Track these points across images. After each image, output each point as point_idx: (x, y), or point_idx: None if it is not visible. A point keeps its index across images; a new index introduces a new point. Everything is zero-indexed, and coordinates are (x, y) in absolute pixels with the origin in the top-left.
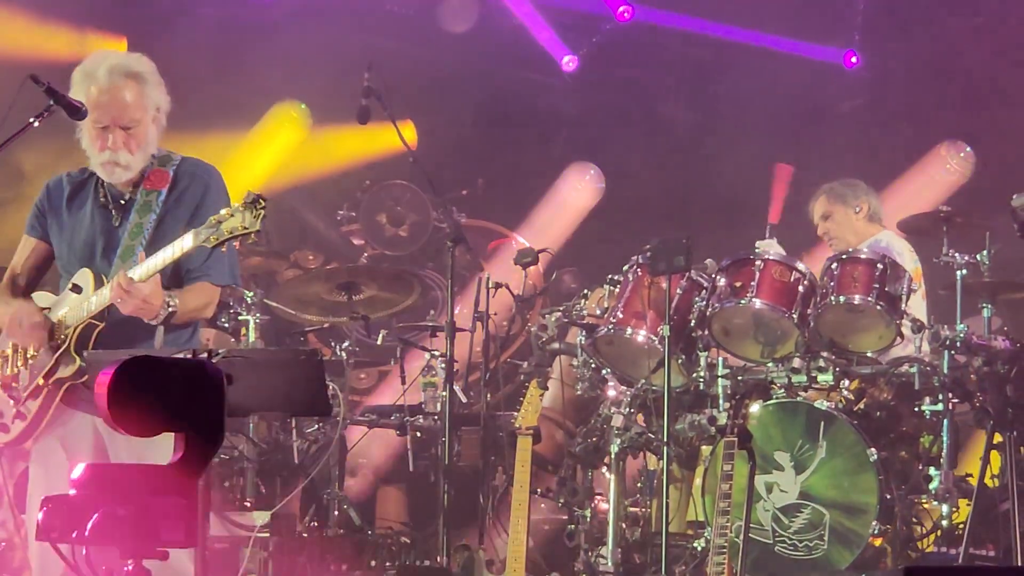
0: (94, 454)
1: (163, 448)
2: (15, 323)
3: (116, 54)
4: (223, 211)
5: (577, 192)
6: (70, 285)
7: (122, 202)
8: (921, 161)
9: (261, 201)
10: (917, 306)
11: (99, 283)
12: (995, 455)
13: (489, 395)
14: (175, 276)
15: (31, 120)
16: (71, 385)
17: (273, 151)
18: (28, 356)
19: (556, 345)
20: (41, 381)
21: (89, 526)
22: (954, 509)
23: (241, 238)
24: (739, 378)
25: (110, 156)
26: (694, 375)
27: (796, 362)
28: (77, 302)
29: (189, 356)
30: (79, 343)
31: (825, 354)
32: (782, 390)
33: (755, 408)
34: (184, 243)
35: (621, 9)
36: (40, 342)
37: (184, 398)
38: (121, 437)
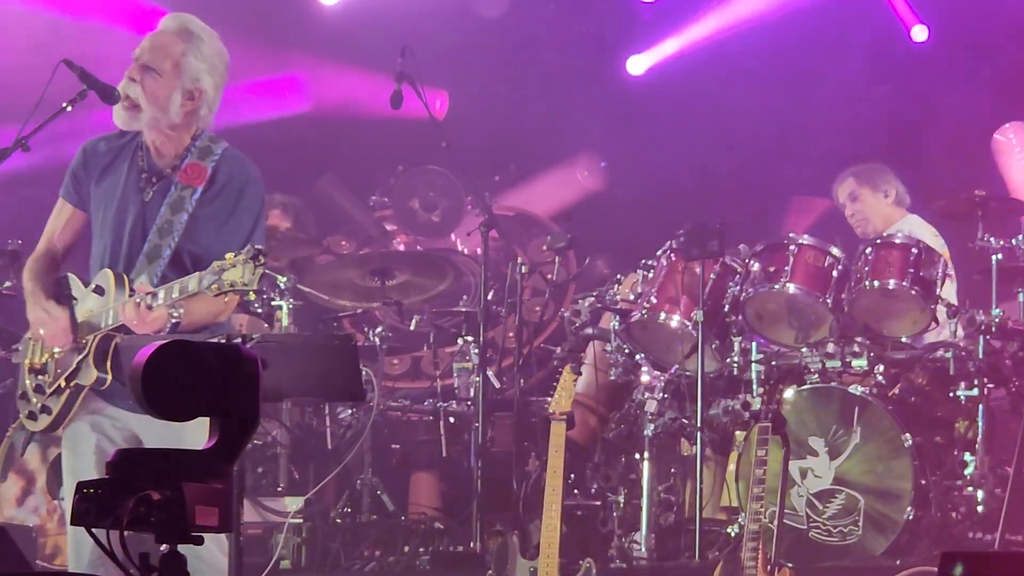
0: (125, 440)
1: (196, 435)
2: (41, 327)
3: (189, 16)
4: (228, 256)
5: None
6: (93, 285)
7: (156, 180)
8: None
9: (262, 257)
10: (947, 291)
11: (119, 285)
12: None
13: (522, 380)
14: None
15: (64, 105)
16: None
17: None
18: (55, 352)
19: (589, 330)
20: (63, 383)
21: (124, 511)
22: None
23: (239, 293)
24: (773, 363)
25: (123, 86)
26: (728, 360)
27: (830, 347)
28: (99, 304)
29: (223, 341)
30: (98, 353)
31: (859, 339)
32: (816, 375)
33: (789, 393)
34: (188, 285)
35: None
36: (64, 345)
37: (219, 382)
38: (154, 423)
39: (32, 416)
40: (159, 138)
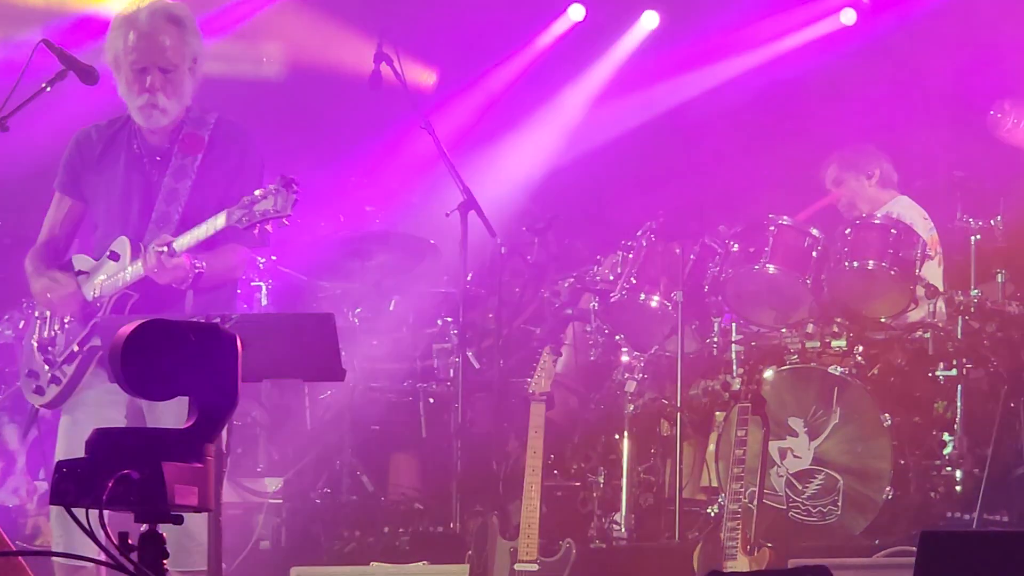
0: (130, 418)
1: None
2: (48, 292)
3: (163, 1)
4: (256, 192)
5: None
6: (108, 252)
7: (157, 158)
8: None
9: (294, 185)
10: (933, 273)
11: (135, 251)
12: None
13: (502, 361)
14: (207, 239)
15: (44, 85)
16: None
17: None
18: (65, 320)
19: (569, 311)
20: (76, 348)
21: (103, 490)
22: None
23: (273, 220)
24: (752, 344)
25: (148, 99)
26: (707, 341)
27: (810, 328)
28: (114, 270)
29: (201, 320)
30: (115, 312)
31: (839, 320)
32: (796, 356)
33: (769, 374)
34: (217, 222)
35: None
36: (73, 312)
37: (197, 361)
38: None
39: (39, 391)
40: (164, 119)
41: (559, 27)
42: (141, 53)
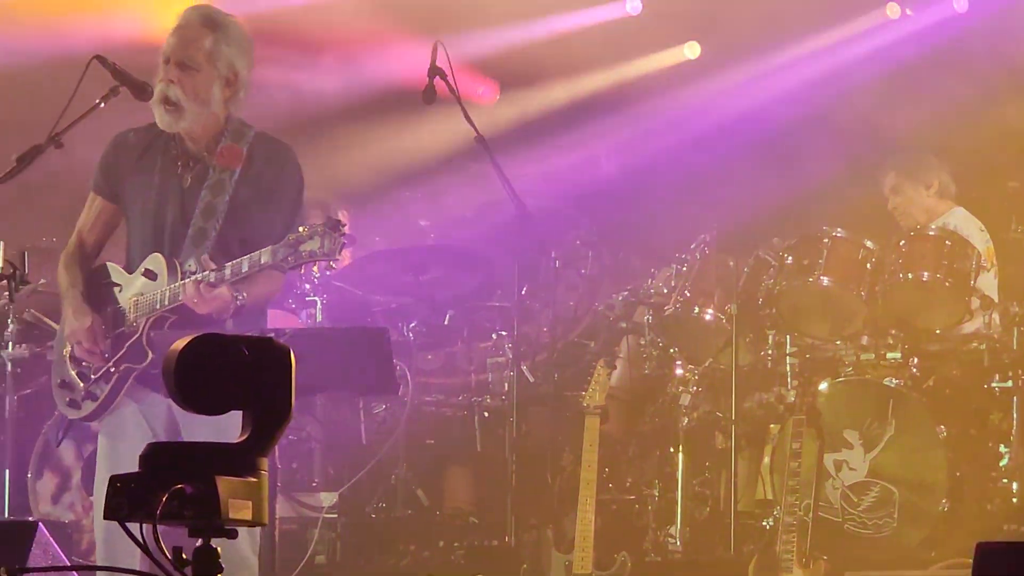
0: (167, 432)
1: (238, 429)
2: (75, 337)
3: (209, 6)
4: (302, 229)
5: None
6: (142, 269)
7: (194, 165)
8: None
9: (341, 227)
10: (988, 285)
11: (171, 269)
12: None
13: (556, 375)
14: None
15: (97, 101)
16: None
17: None
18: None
19: (623, 324)
20: (112, 368)
21: (157, 505)
22: None
23: (320, 262)
24: (807, 356)
25: (161, 89)
26: (762, 353)
27: (864, 340)
28: (150, 288)
29: (256, 334)
30: (151, 333)
31: (894, 331)
32: (850, 368)
33: (823, 386)
34: (261, 259)
35: None
36: (89, 348)
37: (251, 376)
38: (197, 418)
39: (74, 404)
40: (195, 127)
41: (615, 32)
42: (169, 45)
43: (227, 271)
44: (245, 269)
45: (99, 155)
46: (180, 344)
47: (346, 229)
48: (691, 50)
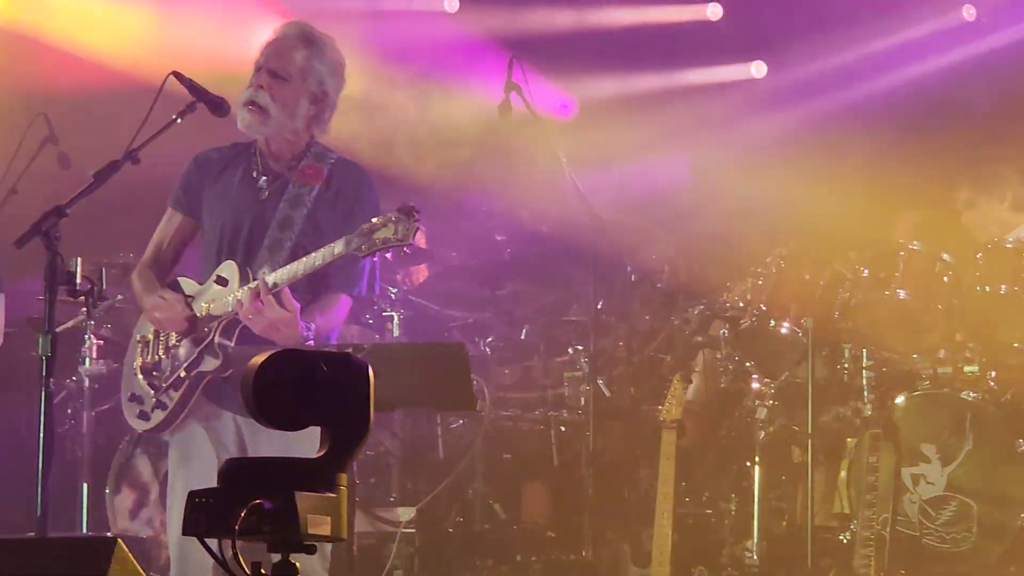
0: (236, 449)
1: (306, 445)
2: (156, 311)
3: (306, 23)
4: (375, 219)
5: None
6: (214, 276)
7: (274, 181)
8: None
9: (415, 212)
10: None
11: (244, 276)
12: None
13: (633, 389)
14: (311, 284)
15: (174, 117)
16: (213, 380)
17: None
18: (170, 344)
19: (699, 338)
20: (183, 373)
21: (236, 521)
22: None
23: (393, 248)
24: (883, 369)
25: (249, 95)
26: (838, 367)
27: (941, 353)
28: (222, 295)
29: (334, 350)
30: (223, 338)
31: (971, 344)
32: (927, 381)
33: (900, 400)
34: (335, 249)
35: None
36: (182, 331)
37: (330, 391)
38: (263, 433)
39: (144, 416)
40: (277, 142)
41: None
42: (262, 54)
43: (300, 268)
44: (319, 262)
45: (176, 170)
46: (259, 359)
47: (418, 216)
48: (757, 69)
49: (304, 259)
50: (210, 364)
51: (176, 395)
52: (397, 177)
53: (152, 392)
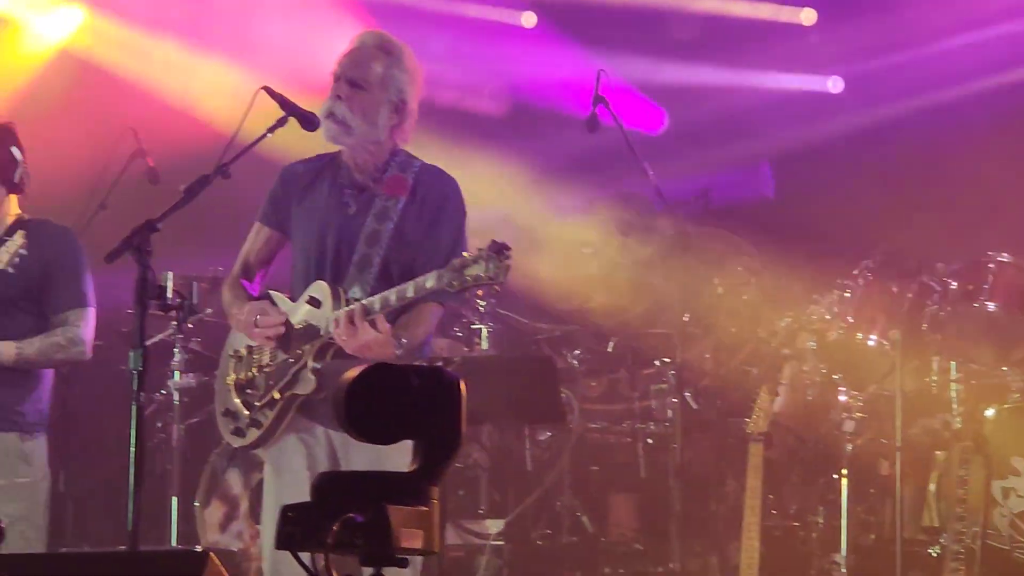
0: (329, 463)
1: (397, 459)
2: (252, 321)
3: (384, 32)
4: (466, 254)
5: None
6: (306, 297)
7: (360, 194)
8: None
9: (506, 251)
10: None
11: (336, 296)
12: None
13: (719, 401)
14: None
15: (266, 131)
16: (307, 399)
17: None
18: (263, 364)
19: (786, 351)
20: (277, 395)
21: (329, 534)
22: None
23: (484, 287)
24: (973, 382)
25: (329, 106)
26: (926, 379)
27: None
28: (314, 317)
29: (425, 364)
30: (316, 361)
31: None
32: (1018, 394)
33: (990, 412)
34: (426, 283)
35: None
36: (277, 338)
37: (422, 405)
38: (355, 446)
39: (239, 432)
40: (361, 154)
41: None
42: (340, 64)
43: (392, 296)
44: (411, 294)
45: (264, 184)
46: (351, 374)
47: (509, 255)
48: (835, 84)
49: (396, 289)
50: (304, 387)
51: (271, 414)
52: (482, 189)
53: (247, 411)
